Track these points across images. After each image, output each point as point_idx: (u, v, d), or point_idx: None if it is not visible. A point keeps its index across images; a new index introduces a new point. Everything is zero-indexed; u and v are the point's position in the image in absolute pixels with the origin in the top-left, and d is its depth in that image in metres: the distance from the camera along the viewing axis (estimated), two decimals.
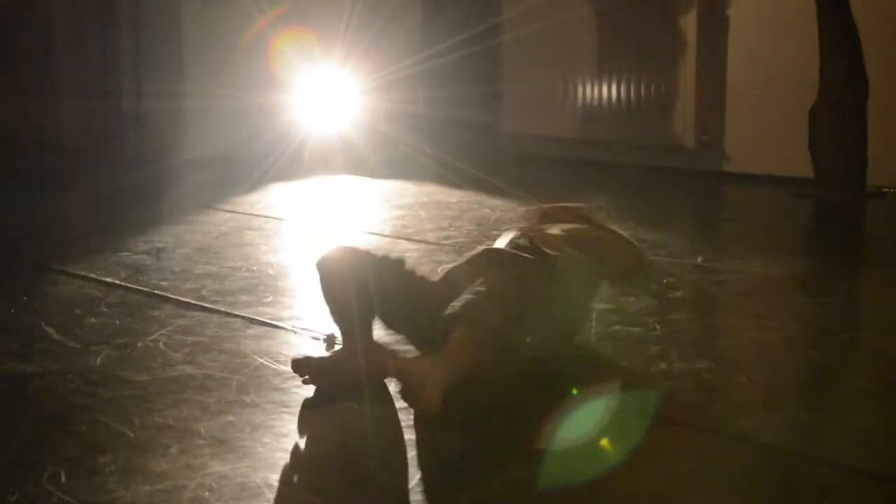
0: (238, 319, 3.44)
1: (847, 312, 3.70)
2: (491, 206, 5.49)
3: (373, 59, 7.01)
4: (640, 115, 6.69)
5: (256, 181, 6.27)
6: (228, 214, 5.37)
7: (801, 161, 5.71)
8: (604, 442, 2.39)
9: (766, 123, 6.21)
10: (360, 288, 2.86)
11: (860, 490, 2.21)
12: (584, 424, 2.47)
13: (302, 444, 2.43)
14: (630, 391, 2.75)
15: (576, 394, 2.71)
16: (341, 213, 5.58)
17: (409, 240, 4.69)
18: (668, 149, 6.60)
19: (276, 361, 3.01)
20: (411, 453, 2.37)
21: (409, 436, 2.45)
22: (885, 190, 5.73)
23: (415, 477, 2.24)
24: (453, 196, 5.81)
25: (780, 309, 3.62)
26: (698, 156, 6.55)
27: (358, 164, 6.81)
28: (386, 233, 4.88)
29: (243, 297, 3.71)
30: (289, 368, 2.93)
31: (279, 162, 6.61)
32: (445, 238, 4.72)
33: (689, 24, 6.42)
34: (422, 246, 4.57)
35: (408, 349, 2.98)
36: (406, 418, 2.54)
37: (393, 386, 2.73)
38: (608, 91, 6.79)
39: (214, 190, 6.09)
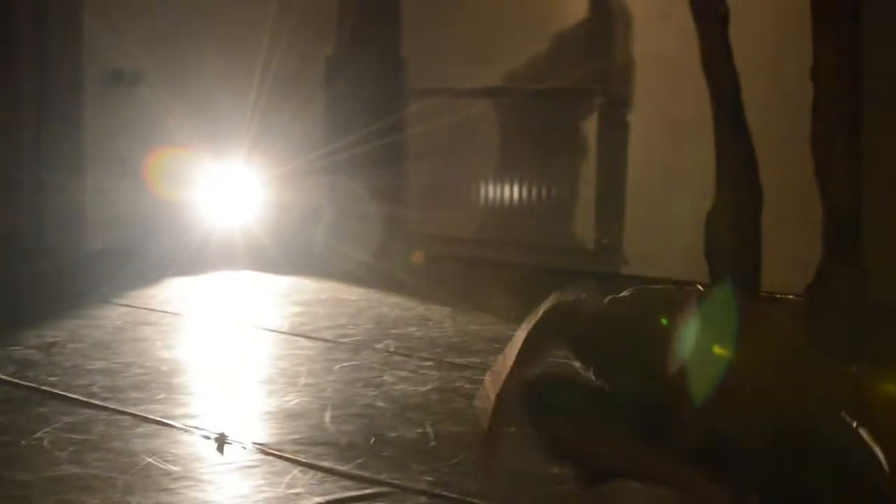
0: (128, 417, 3.39)
1: None
2: (390, 304, 5.49)
3: (277, 153, 7.01)
4: (541, 215, 6.76)
5: (156, 275, 6.20)
6: (125, 309, 5.31)
7: (698, 266, 5.80)
8: None
9: (665, 228, 6.32)
10: None
11: None
12: None
13: None
14: None
15: None
16: (240, 308, 5.53)
17: (306, 337, 4.68)
18: (568, 250, 6.67)
19: (164, 461, 2.96)
20: None
21: None
22: (779, 295, 5.84)
23: None
24: (353, 294, 5.80)
25: None
26: (598, 258, 6.63)
27: (259, 259, 6.76)
28: (284, 329, 4.86)
29: (134, 394, 3.66)
30: (177, 468, 2.90)
31: (181, 256, 6.55)
32: (343, 336, 4.71)
33: (591, 127, 6.53)
34: (319, 343, 4.56)
35: None
36: None
37: None
38: (510, 191, 6.87)
39: (113, 284, 6.00)
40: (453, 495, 2.73)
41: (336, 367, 4.11)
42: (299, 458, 3.01)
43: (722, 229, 5.68)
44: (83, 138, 6.98)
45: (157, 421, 3.34)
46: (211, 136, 6.87)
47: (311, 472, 2.91)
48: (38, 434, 3.17)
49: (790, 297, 5.74)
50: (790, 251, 5.73)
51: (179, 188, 6.65)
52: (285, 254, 6.65)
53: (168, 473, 2.86)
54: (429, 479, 2.85)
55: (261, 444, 3.13)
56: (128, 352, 4.33)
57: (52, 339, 4.52)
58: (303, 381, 3.92)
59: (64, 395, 3.60)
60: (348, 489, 2.78)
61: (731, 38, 5.73)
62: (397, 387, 3.84)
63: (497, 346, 4.53)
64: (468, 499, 2.71)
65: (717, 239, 5.72)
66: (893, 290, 5.26)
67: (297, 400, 3.68)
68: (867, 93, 5.34)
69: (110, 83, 6.87)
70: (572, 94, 6.59)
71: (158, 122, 6.80)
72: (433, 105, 7.04)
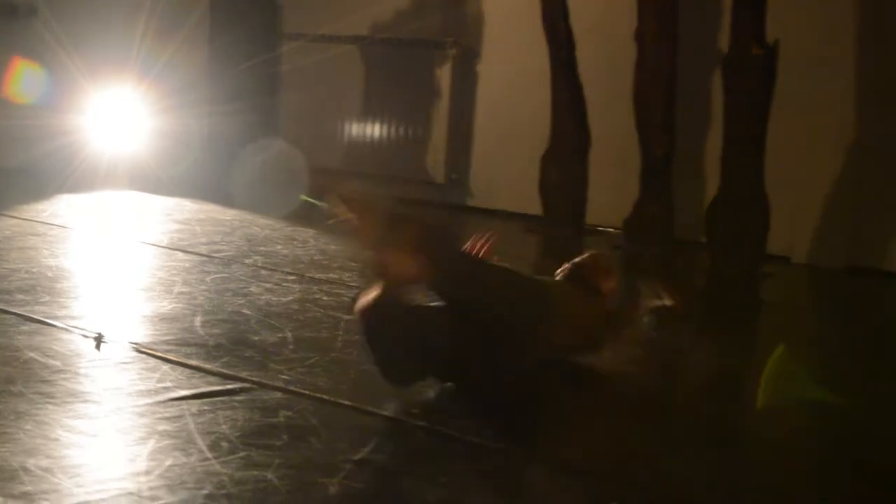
0: (13, 316, 3.30)
1: None
2: (261, 224, 5.44)
3: (162, 84, 6.85)
4: (399, 152, 6.77)
5: (46, 192, 6.01)
6: (14, 220, 5.14)
7: (533, 200, 5.90)
8: None
9: (505, 166, 6.40)
10: None
11: None
12: None
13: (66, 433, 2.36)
14: None
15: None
16: (123, 224, 5.42)
17: (183, 251, 4.62)
18: (422, 183, 6.70)
19: (45, 356, 2.91)
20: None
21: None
22: (601, 228, 5.97)
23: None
24: (228, 214, 5.73)
25: None
26: (447, 191, 6.68)
27: (145, 181, 6.61)
28: (163, 244, 4.78)
29: (20, 296, 3.56)
30: (57, 362, 2.85)
31: (69, 176, 6.36)
32: (216, 251, 4.66)
33: (445, 75, 6.54)
34: (194, 257, 4.51)
35: None
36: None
37: None
38: (371, 129, 6.85)
39: (3, 198, 5.79)
40: (305, 391, 2.74)
41: (208, 279, 4.07)
42: (170, 357, 2.99)
43: (554, 169, 5.83)
44: None
45: (40, 321, 3.26)
46: (100, 67, 6.68)
47: (181, 369, 2.89)
48: None
49: (611, 229, 5.89)
50: (611, 190, 5.88)
51: (32, 96, 6.46)
52: (169, 177, 6.52)
53: (48, 367, 2.81)
54: (285, 377, 2.86)
55: (136, 343, 3.09)
56: (15, 259, 4.21)
57: None
58: (177, 289, 3.87)
59: None
60: (213, 384, 2.77)
61: (568, 2, 5.81)
62: (262, 297, 3.82)
63: (353, 263, 4.54)
64: (318, 394, 2.73)
65: (550, 177, 5.86)
66: (696, 228, 5.43)
67: (172, 306, 3.63)
68: (683, 53, 5.46)
69: (5, 16, 6.61)
70: (429, 44, 6.59)
71: (51, 53, 6.59)
72: (304, 47, 6.95)
